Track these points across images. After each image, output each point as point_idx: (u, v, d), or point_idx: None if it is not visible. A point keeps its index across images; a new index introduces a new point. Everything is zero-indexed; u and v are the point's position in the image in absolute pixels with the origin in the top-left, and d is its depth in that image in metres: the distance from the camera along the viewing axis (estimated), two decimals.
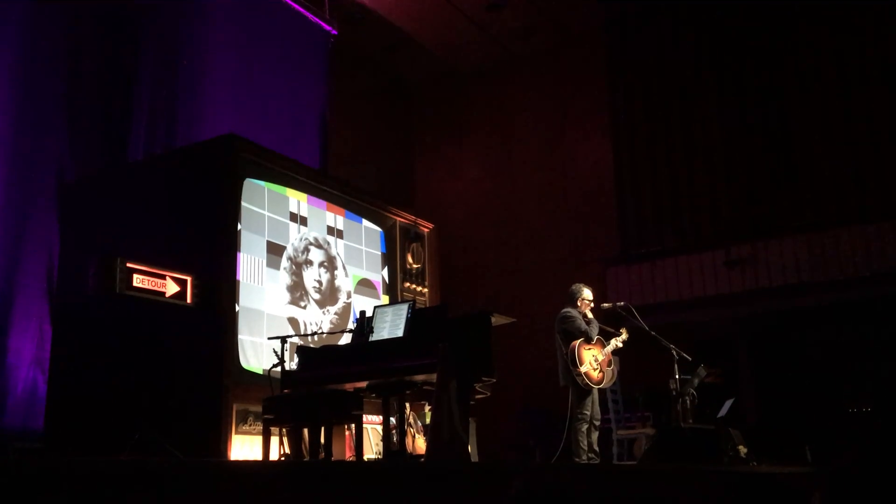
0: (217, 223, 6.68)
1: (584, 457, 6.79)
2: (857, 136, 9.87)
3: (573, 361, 6.86)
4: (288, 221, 7.54)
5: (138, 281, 6.03)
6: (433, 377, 5.05)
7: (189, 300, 6.28)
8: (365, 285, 8.32)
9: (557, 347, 7.12)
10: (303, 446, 5.30)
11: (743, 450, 6.58)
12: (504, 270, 11.96)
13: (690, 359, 7.01)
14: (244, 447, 6.22)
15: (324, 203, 8.03)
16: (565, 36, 12.04)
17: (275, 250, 7.29)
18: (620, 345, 7.19)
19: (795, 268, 9.77)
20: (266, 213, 7.28)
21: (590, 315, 7.22)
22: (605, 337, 7.23)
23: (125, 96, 8.00)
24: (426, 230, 9.07)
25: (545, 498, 1.81)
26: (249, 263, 6.95)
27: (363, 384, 5.52)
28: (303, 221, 7.72)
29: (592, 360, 6.94)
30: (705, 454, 6.23)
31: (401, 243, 8.68)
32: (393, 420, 5.60)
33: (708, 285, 10.31)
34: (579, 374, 6.82)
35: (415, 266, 8.73)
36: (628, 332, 7.28)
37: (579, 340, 6.97)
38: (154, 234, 6.63)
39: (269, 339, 5.97)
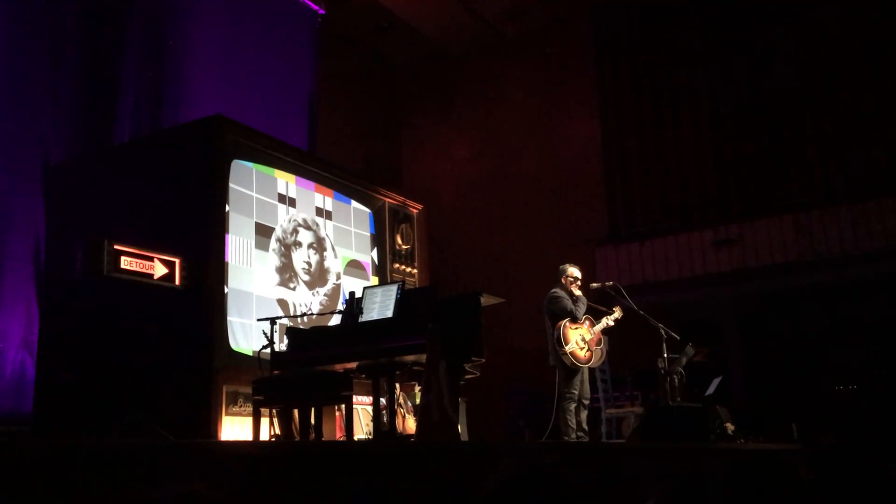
0: (205, 205, 6.66)
1: (573, 435, 6.83)
2: (845, 116, 9.90)
3: (559, 341, 6.89)
4: (276, 203, 7.52)
5: (126, 263, 6.02)
6: (423, 358, 5.06)
7: (177, 282, 6.27)
8: (354, 266, 8.31)
9: (546, 327, 7.14)
10: (293, 427, 5.31)
11: (730, 427, 6.63)
12: (493, 251, 11.96)
13: (678, 338, 7.04)
14: (234, 428, 6.24)
15: (312, 184, 8.01)
16: (554, 17, 11.98)
17: (263, 232, 7.27)
18: (612, 323, 7.19)
19: (783, 247, 9.82)
20: (254, 194, 7.25)
21: (578, 293, 7.22)
22: (598, 316, 7.23)
23: (110, 78, 7.93)
24: (415, 211, 9.05)
25: (532, 477, 1.82)
26: (238, 245, 6.94)
27: (353, 365, 5.53)
28: (291, 203, 7.69)
29: (579, 339, 6.95)
30: (693, 432, 6.28)
31: (390, 224, 8.67)
32: (383, 401, 5.62)
33: (696, 265, 10.35)
34: (565, 353, 6.85)
35: (404, 247, 8.73)
36: (623, 310, 7.25)
37: (566, 320, 6.98)
38: (141, 217, 6.60)
39: (259, 320, 5.98)
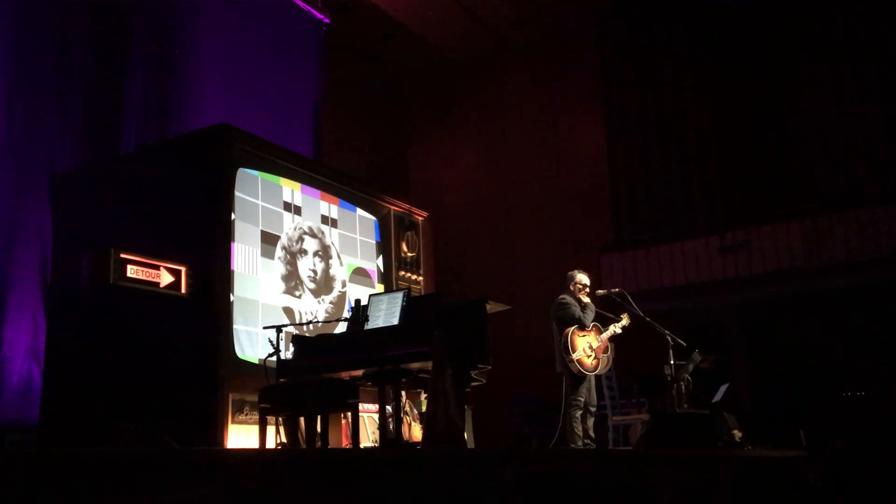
0: (211, 213, 6.67)
1: (580, 443, 6.80)
2: (850, 120, 9.87)
3: (566, 348, 6.87)
4: (282, 211, 7.53)
5: (132, 272, 6.03)
6: (429, 365, 5.06)
7: (183, 290, 6.29)
8: (360, 274, 8.32)
9: (554, 334, 7.12)
10: (299, 435, 5.32)
11: (737, 434, 6.61)
12: (498, 258, 11.96)
13: (685, 344, 7.01)
14: (241, 436, 6.24)
15: (318, 192, 8.02)
16: (558, 24, 12.00)
17: (269, 240, 7.28)
18: (619, 331, 7.14)
19: (789, 253, 9.79)
20: (260, 202, 7.27)
21: (586, 300, 7.20)
22: (605, 323, 7.20)
23: (116, 87, 7.96)
24: (420, 218, 9.06)
25: (540, 484, 1.82)
26: (244, 253, 6.95)
27: (359, 372, 5.53)
28: (297, 211, 7.70)
29: (587, 346, 6.94)
30: (700, 439, 6.25)
31: (395, 232, 8.67)
32: (389, 408, 5.61)
33: (702, 271, 10.32)
34: (571, 360, 6.83)
35: (409, 254, 8.73)
36: (630, 317, 7.21)
37: (573, 327, 6.97)
38: (147, 225, 6.62)
39: (265, 328, 5.98)
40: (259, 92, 9.49)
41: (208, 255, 6.53)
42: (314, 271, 7.74)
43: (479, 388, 5.64)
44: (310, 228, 7.81)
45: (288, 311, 7.30)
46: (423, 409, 5.91)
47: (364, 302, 5.81)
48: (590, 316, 7.11)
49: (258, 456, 4.02)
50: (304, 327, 7.03)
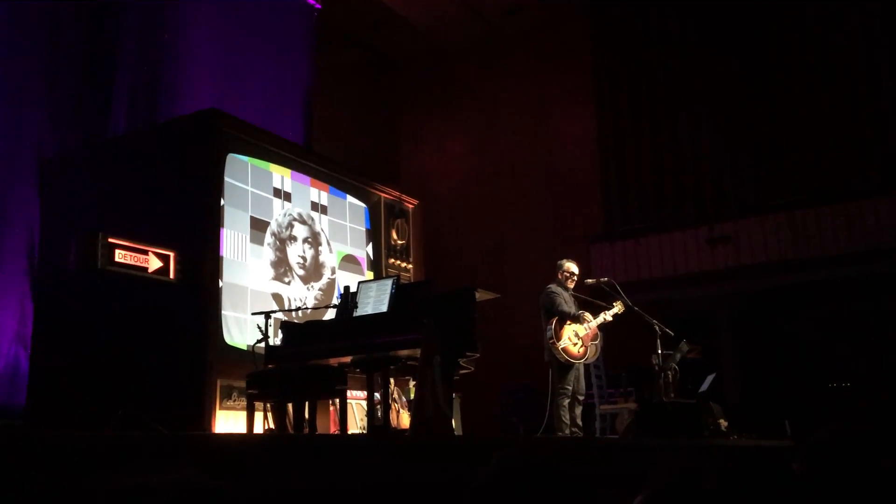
0: (200, 198, 6.65)
1: (567, 431, 6.82)
2: (839, 114, 9.92)
3: (551, 337, 6.88)
4: (272, 197, 7.51)
5: (120, 256, 6.00)
6: (417, 352, 5.05)
7: (172, 276, 6.26)
8: (349, 261, 8.31)
9: (542, 323, 7.13)
10: (287, 421, 5.31)
11: (724, 424, 6.66)
12: (488, 247, 11.97)
13: (673, 334, 7.04)
14: (228, 422, 6.24)
15: (308, 179, 8.00)
16: (551, 13, 11.98)
17: (258, 226, 7.26)
18: (610, 318, 7.10)
19: (777, 245, 9.84)
20: (249, 188, 7.24)
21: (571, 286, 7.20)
22: (596, 311, 7.18)
23: (106, 71, 7.91)
24: (411, 206, 9.05)
25: (525, 470, 1.82)
26: (233, 239, 6.93)
27: (347, 359, 5.52)
28: (287, 197, 7.68)
29: (572, 334, 6.92)
30: (687, 428, 6.29)
31: (385, 219, 8.67)
32: (377, 395, 5.62)
33: (690, 262, 10.37)
34: (557, 349, 6.84)
35: (399, 242, 8.72)
36: (623, 305, 7.17)
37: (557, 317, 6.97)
38: (136, 210, 6.59)
39: (253, 314, 5.96)
40: (250, 78, 9.44)
41: (197, 241, 6.51)
42: (303, 258, 7.73)
43: (467, 376, 5.64)
44: (299, 215, 7.79)
45: (277, 298, 7.29)
46: (412, 396, 5.92)
47: (353, 289, 5.80)
48: (574, 307, 7.07)
49: (245, 440, 4.02)
50: (293, 314, 7.03)
